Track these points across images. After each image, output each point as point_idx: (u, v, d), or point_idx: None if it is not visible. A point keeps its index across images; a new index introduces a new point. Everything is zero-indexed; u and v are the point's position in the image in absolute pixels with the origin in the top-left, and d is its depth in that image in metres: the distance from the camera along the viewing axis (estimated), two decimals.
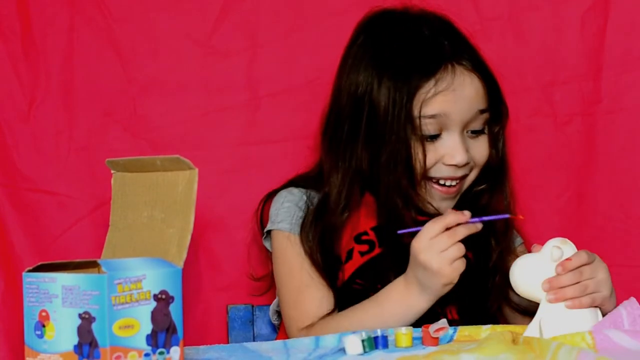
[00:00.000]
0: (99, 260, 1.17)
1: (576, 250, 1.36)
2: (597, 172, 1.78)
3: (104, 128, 1.74)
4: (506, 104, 1.59)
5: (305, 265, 1.54)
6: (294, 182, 1.62)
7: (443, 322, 1.32)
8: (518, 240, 1.65)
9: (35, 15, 1.73)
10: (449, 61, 1.50)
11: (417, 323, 1.42)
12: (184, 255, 1.22)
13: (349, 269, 1.55)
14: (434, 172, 1.53)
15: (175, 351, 1.16)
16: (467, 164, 1.53)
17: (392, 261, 1.51)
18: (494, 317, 1.57)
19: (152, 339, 1.14)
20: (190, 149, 1.70)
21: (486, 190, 1.59)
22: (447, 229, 1.39)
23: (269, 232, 1.61)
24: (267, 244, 1.63)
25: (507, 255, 1.55)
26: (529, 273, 1.36)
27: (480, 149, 1.55)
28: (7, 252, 1.68)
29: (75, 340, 1.13)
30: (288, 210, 1.58)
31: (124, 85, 1.74)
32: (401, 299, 1.44)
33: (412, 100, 1.48)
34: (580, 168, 1.78)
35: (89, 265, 1.24)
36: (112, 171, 1.33)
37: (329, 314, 1.52)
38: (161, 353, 1.15)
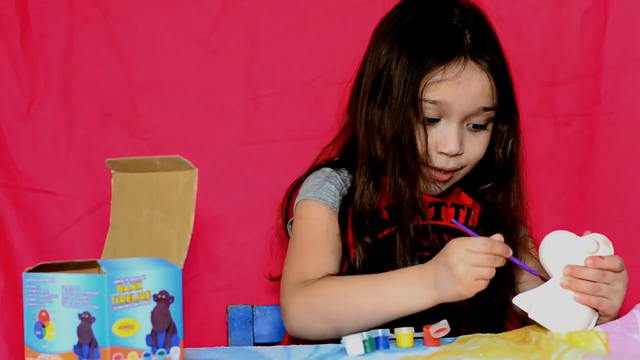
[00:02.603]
0: (98, 261, 1.17)
1: (612, 254, 1.37)
2: (597, 172, 1.78)
3: (103, 128, 1.74)
4: (517, 107, 1.59)
5: (323, 228, 1.53)
6: (322, 165, 1.63)
7: (444, 322, 1.32)
8: (523, 231, 1.65)
9: (34, 15, 1.73)
10: (464, 54, 1.51)
11: (413, 323, 1.42)
12: (184, 255, 1.22)
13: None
14: (427, 159, 1.54)
15: (175, 351, 1.16)
16: (458, 154, 1.53)
17: (400, 242, 1.51)
18: (502, 308, 1.58)
19: (152, 339, 1.14)
20: (190, 149, 1.70)
21: (492, 189, 1.60)
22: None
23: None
24: (289, 230, 1.62)
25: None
26: (557, 247, 1.36)
27: (476, 144, 1.56)
28: (7, 252, 1.68)
29: (75, 340, 1.13)
30: (318, 183, 1.58)
31: (124, 85, 1.74)
32: (407, 285, 1.42)
33: (420, 82, 1.50)
34: (580, 168, 1.79)
35: (89, 265, 1.24)
36: (112, 171, 1.33)
37: (329, 275, 1.51)
38: (161, 353, 1.15)
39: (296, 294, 1.47)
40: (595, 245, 1.35)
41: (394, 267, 1.50)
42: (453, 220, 1.47)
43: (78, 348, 1.13)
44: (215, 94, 1.75)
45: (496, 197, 1.59)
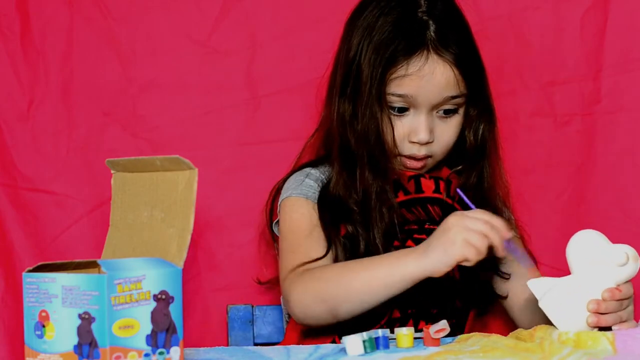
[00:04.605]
0: (98, 261, 1.17)
1: (637, 270, 1.37)
2: (597, 172, 1.78)
3: (103, 128, 1.74)
4: (488, 92, 1.60)
5: (308, 221, 1.56)
6: (303, 166, 1.65)
7: (444, 323, 1.32)
8: (506, 213, 1.65)
9: (34, 15, 1.73)
10: (427, 48, 1.52)
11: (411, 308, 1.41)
12: (184, 255, 1.22)
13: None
14: (400, 149, 1.56)
15: (175, 351, 1.16)
16: (429, 142, 1.55)
17: (370, 234, 1.53)
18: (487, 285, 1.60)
19: (152, 339, 1.14)
20: (190, 149, 1.70)
21: (464, 171, 1.62)
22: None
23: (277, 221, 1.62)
24: (276, 230, 1.64)
25: None
26: (587, 248, 1.37)
27: (446, 130, 1.58)
28: (7, 252, 1.68)
29: (75, 340, 1.13)
30: (298, 181, 1.61)
31: (124, 85, 1.74)
32: (396, 258, 1.45)
33: (384, 76, 1.52)
34: (580, 168, 1.79)
35: (89, 265, 1.24)
36: (112, 171, 1.33)
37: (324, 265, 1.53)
38: (161, 353, 1.15)
39: (297, 281, 1.50)
40: (625, 259, 1.36)
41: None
42: (458, 190, 1.48)
43: (78, 348, 1.13)
44: (215, 94, 1.75)
45: (469, 179, 1.61)
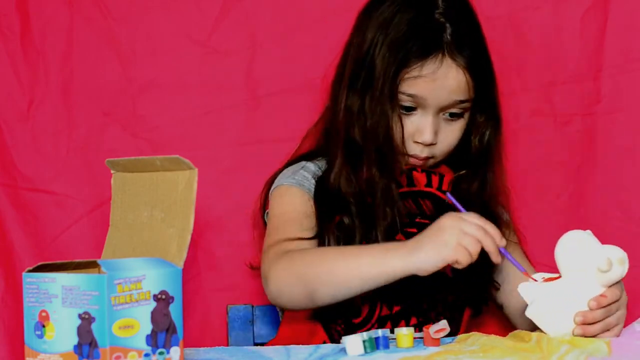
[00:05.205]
0: (98, 261, 1.17)
1: (625, 272, 1.35)
2: (597, 172, 1.78)
3: (103, 128, 1.74)
4: (497, 99, 1.60)
5: (297, 208, 1.57)
6: (298, 158, 1.65)
7: (444, 323, 1.32)
8: (505, 215, 1.66)
9: (34, 15, 1.73)
10: (442, 51, 1.52)
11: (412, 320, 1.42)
12: (184, 255, 1.22)
13: None
14: (404, 148, 1.57)
15: (175, 351, 1.16)
16: (432, 144, 1.56)
17: (376, 230, 1.53)
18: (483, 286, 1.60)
19: (152, 339, 1.14)
20: (190, 149, 1.70)
21: (466, 177, 1.62)
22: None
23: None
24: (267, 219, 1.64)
25: None
26: (572, 250, 1.35)
27: (449, 134, 1.58)
28: (7, 252, 1.68)
29: (75, 340, 1.13)
30: (293, 171, 1.61)
31: (124, 85, 1.74)
32: (383, 251, 1.44)
33: (398, 75, 1.52)
34: (580, 168, 1.79)
35: (89, 265, 1.24)
36: (112, 171, 1.33)
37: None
38: (161, 353, 1.15)
39: (278, 261, 1.49)
40: (607, 266, 1.33)
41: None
42: (448, 194, 1.48)
43: (78, 348, 1.13)
44: (215, 94, 1.75)
45: (471, 185, 1.61)
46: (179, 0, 1.75)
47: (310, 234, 1.54)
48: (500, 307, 1.64)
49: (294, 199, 1.58)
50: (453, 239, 1.38)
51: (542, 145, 1.79)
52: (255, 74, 1.76)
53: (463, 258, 1.38)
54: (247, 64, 1.76)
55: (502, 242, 1.40)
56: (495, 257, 1.40)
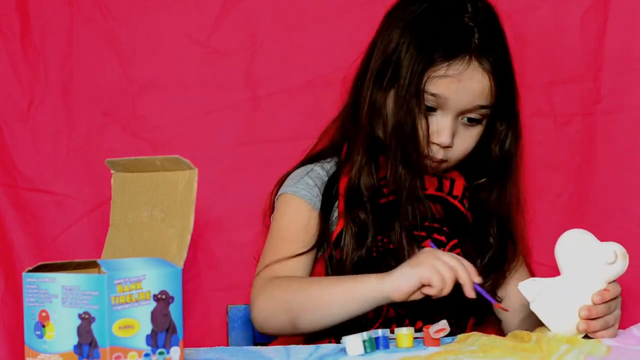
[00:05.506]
0: (98, 261, 1.17)
1: (625, 268, 1.38)
2: (597, 172, 1.78)
3: (103, 128, 1.74)
4: (517, 107, 1.61)
5: (298, 223, 1.58)
6: (308, 160, 1.65)
7: (444, 323, 1.33)
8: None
9: (34, 15, 1.73)
10: (470, 54, 1.53)
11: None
12: (184, 255, 1.22)
13: None
14: (426, 148, 1.56)
15: (175, 351, 1.16)
16: (448, 147, 1.56)
17: (398, 227, 1.54)
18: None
19: (152, 339, 1.14)
20: (190, 149, 1.70)
21: (486, 185, 1.62)
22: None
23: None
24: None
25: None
26: (575, 247, 1.37)
27: (466, 139, 1.58)
28: (7, 252, 1.68)
29: (75, 340, 1.13)
30: (297, 177, 1.61)
31: (124, 85, 1.74)
32: (362, 279, 1.45)
33: (424, 74, 1.52)
34: (580, 168, 1.78)
35: (89, 265, 1.24)
36: (112, 171, 1.33)
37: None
38: (161, 353, 1.15)
39: (265, 288, 1.50)
40: (614, 257, 1.36)
41: (389, 240, 1.54)
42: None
43: (78, 348, 1.13)
44: (215, 94, 1.75)
45: (490, 194, 1.62)
46: (179, 0, 1.75)
47: (305, 249, 1.55)
48: (499, 322, 1.64)
49: (294, 209, 1.59)
50: (428, 261, 1.41)
51: (542, 145, 1.79)
52: (255, 74, 1.76)
53: (435, 280, 1.40)
54: (247, 64, 1.76)
55: (477, 279, 1.42)
56: (469, 292, 1.42)
